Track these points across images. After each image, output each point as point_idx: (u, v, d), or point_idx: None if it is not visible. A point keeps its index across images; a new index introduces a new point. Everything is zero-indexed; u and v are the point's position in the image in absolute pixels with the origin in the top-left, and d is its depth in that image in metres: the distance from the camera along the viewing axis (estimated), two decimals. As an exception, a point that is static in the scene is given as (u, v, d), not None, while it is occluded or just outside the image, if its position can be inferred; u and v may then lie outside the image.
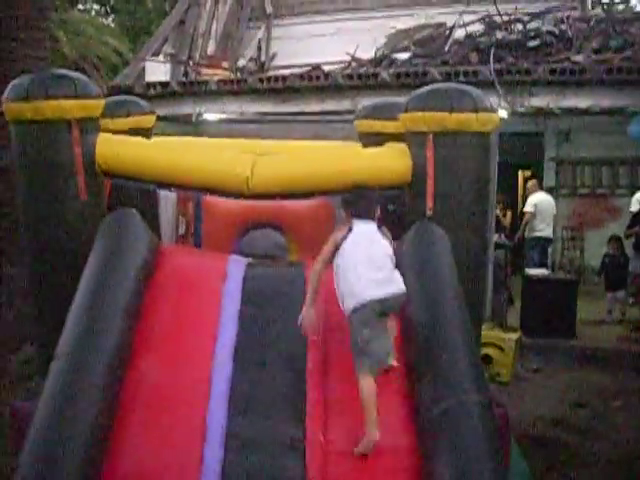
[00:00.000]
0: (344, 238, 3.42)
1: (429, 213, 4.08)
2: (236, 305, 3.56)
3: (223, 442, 2.95)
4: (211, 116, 11.80)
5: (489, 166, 4.27)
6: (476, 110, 4.02)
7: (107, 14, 26.10)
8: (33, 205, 4.12)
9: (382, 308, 3.23)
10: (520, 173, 14.83)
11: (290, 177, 4.14)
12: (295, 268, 4.00)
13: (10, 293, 7.10)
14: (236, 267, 3.89)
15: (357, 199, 3.60)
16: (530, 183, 12.06)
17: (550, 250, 12.00)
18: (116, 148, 4.19)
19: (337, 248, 3.42)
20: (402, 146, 4.30)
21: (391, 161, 4.28)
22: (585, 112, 10.44)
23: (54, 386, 2.91)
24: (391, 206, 4.51)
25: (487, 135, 4.16)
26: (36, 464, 2.64)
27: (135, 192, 4.66)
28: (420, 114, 4.08)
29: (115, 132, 4.46)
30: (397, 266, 3.43)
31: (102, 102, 4.25)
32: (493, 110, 4.19)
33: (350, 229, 3.46)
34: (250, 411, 3.09)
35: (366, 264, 3.30)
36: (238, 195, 4.22)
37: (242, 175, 4.07)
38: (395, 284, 3.29)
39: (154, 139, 5.46)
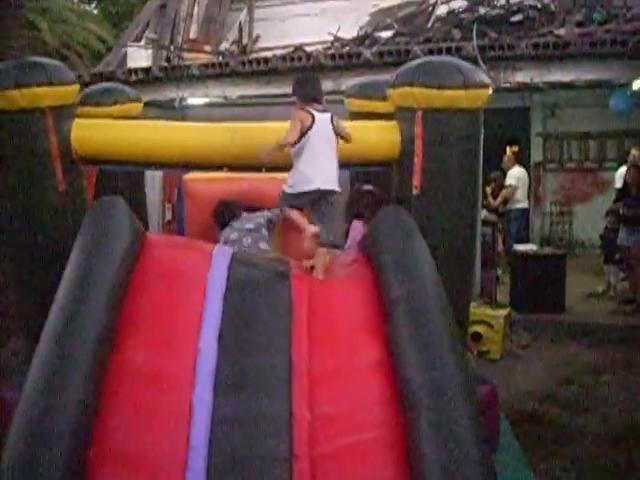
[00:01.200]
0: (309, 128, 3.72)
1: (415, 191, 4.03)
2: (221, 292, 3.54)
3: (209, 424, 2.94)
4: (194, 100, 11.71)
5: (479, 143, 4.22)
6: (466, 86, 3.95)
7: (89, 1, 25.88)
8: (11, 196, 4.07)
9: (318, 196, 3.71)
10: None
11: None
12: (280, 258, 3.98)
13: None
14: (221, 256, 3.86)
15: (306, 82, 3.93)
16: (507, 157, 12.17)
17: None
18: (90, 132, 4.13)
19: (302, 135, 3.72)
20: (391, 122, 4.24)
21: (378, 136, 4.22)
22: (570, 86, 10.41)
23: (38, 372, 2.88)
24: (367, 186, 4.47)
25: (477, 111, 4.10)
26: (21, 450, 2.62)
27: (122, 180, 4.62)
28: (408, 89, 4.02)
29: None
30: (369, 249, 3.49)
31: (76, 88, 4.18)
32: (483, 85, 4.10)
33: (313, 118, 3.73)
34: (235, 392, 3.08)
35: (320, 157, 3.71)
36: (220, 166, 4.28)
37: (225, 144, 4.06)
38: (332, 182, 3.74)
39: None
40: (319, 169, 3.76)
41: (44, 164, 3.97)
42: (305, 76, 4.11)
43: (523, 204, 12.04)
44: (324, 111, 3.87)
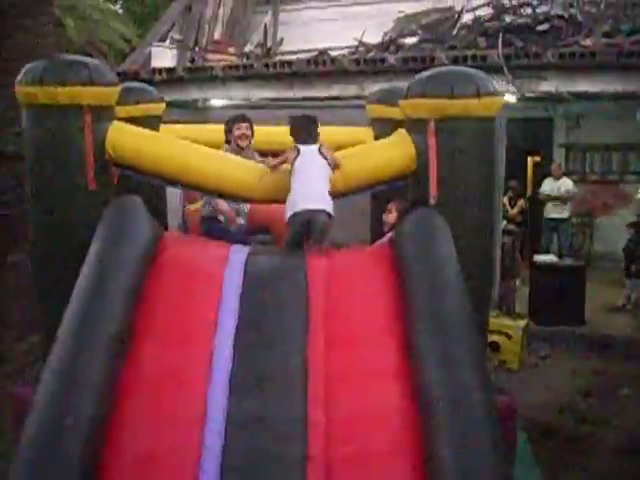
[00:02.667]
0: (294, 159, 4.06)
1: (432, 201, 4.01)
2: (237, 290, 3.54)
3: (224, 424, 2.94)
4: (217, 102, 11.72)
5: (493, 151, 4.19)
6: (478, 95, 3.92)
7: (115, 0, 26.03)
8: (41, 191, 4.08)
9: (308, 217, 3.91)
10: (529, 159, 14.71)
11: None
12: (296, 254, 3.96)
13: (15, 281, 7.08)
14: (237, 254, 3.86)
15: (299, 129, 4.18)
16: (555, 166, 12.03)
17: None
18: (127, 139, 4.14)
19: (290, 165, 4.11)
20: (405, 134, 4.23)
21: (394, 152, 4.21)
22: (595, 97, 10.31)
23: (54, 368, 2.89)
24: (406, 203, 4.45)
25: (491, 119, 4.07)
26: (35, 447, 2.63)
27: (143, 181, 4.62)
28: (420, 100, 4.01)
29: (124, 120, 4.41)
30: (397, 251, 3.47)
31: (117, 90, 4.20)
32: (496, 93, 4.07)
33: (298, 152, 4.08)
34: (251, 393, 3.07)
35: (305, 182, 3.99)
36: (245, 200, 4.49)
37: (250, 184, 4.14)
38: (323, 202, 3.97)
39: (164, 127, 5.43)
40: (305, 193, 4.00)
41: (77, 162, 3.98)
42: (299, 120, 4.26)
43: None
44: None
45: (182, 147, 4.37)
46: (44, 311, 4.19)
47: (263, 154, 5.47)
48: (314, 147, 4.12)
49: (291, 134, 4.23)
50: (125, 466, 2.79)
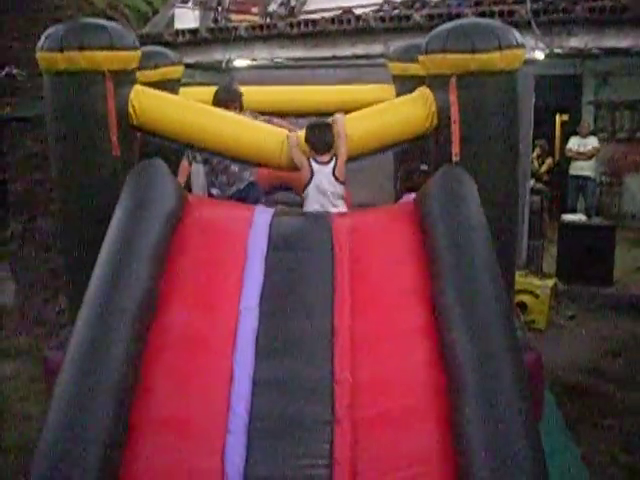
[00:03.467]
0: (307, 184, 4.11)
1: (456, 158, 3.95)
2: (262, 251, 3.52)
3: (250, 386, 2.94)
4: (241, 62, 11.65)
5: (516, 106, 4.10)
6: (500, 48, 3.82)
7: (136, -39, 25.83)
8: (65, 157, 4.08)
9: None
10: (557, 117, 14.50)
11: None
12: (322, 216, 3.94)
13: (42, 245, 7.15)
14: (262, 215, 3.84)
15: (314, 140, 4.10)
16: (583, 124, 11.86)
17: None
18: (150, 102, 4.12)
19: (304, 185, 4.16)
20: (426, 91, 4.17)
21: (415, 110, 4.14)
22: (625, 53, 10.10)
23: (82, 331, 2.89)
24: (424, 166, 4.41)
25: (513, 73, 3.98)
26: (65, 412, 2.63)
27: (165, 148, 4.62)
28: (440, 56, 3.92)
29: (143, 84, 4.39)
30: (422, 209, 3.53)
31: (138, 53, 4.16)
32: (519, 46, 3.96)
33: (312, 174, 4.09)
34: (277, 355, 3.07)
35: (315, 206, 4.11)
36: (268, 167, 4.43)
37: (274, 150, 4.14)
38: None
39: (183, 90, 5.40)
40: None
41: (100, 127, 3.96)
42: (314, 126, 4.19)
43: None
44: (328, 161, 4.13)
45: (205, 112, 4.35)
46: (71, 275, 4.22)
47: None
48: (329, 169, 4.10)
49: (306, 141, 4.15)
50: (153, 430, 2.80)
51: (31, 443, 2.92)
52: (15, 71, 7.14)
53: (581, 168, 11.56)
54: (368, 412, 2.87)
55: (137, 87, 4.15)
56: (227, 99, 5.01)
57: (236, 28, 11.39)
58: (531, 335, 7.08)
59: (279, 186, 5.93)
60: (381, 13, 11.01)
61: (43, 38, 3.95)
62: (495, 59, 3.83)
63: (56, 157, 4.13)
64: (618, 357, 6.77)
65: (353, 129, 4.15)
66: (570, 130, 12.59)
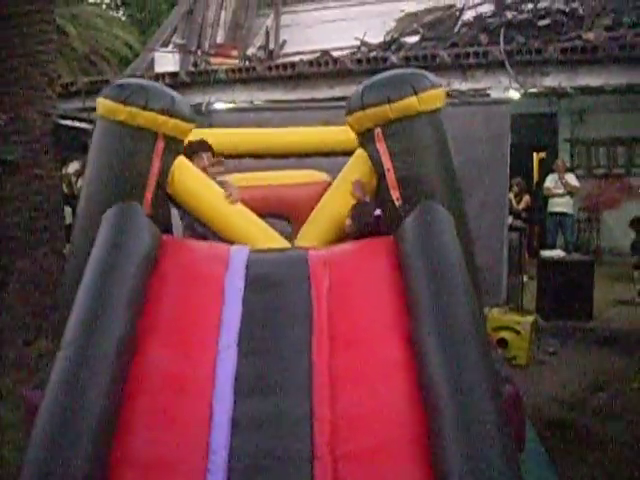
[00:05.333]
0: None
1: (397, 202, 4.07)
2: (239, 291, 3.54)
3: (229, 425, 2.93)
4: (221, 105, 11.75)
5: (445, 141, 4.22)
6: (415, 92, 3.96)
7: (117, 7, 26.12)
8: (95, 198, 4.12)
9: None
10: (535, 155, 14.69)
11: None
12: (298, 253, 3.97)
13: (22, 286, 7.13)
14: (239, 253, 3.86)
15: (358, 222, 4.25)
16: (559, 163, 11.99)
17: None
18: (188, 179, 4.34)
19: None
20: (360, 151, 4.35)
21: (361, 172, 4.36)
22: (599, 91, 10.31)
23: (60, 374, 2.87)
24: (378, 211, 4.49)
25: (435, 112, 4.10)
26: (42, 453, 2.61)
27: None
28: (361, 113, 4.06)
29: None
30: (401, 244, 3.63)
31: (192, 126, 4.30)
32: (434, 86, 4.09)
33: None
34: (256, 393, 3.06)
35: None
36: None
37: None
38: None
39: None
40: None
41: (139, 183, 4.05)
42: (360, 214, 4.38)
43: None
44: None
45: (234, 209, 4.51)
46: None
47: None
48: None
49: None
50: (132, 473, 2.77)
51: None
52: (-4, 115, 7.20)
53: (559, 204, 11.69)
54: (348, 448, 2.87)
55: (181, 159, 4.29)
56: (197, 149, 5.09)
57: (216, 71, 11.51)
58: (512, 371, 7.10)
59: (270, 214, 5.88)
60: (358, 55, 11.19)
61: (110, 87, 4.09)
62: (412, 104, 3.96)
63: (86, 195, 4.19)
64: (600, 391, 6.79)
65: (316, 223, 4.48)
66: (548, 168, 12.76)
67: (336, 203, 4.47)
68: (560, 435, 5.67)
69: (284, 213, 5.50)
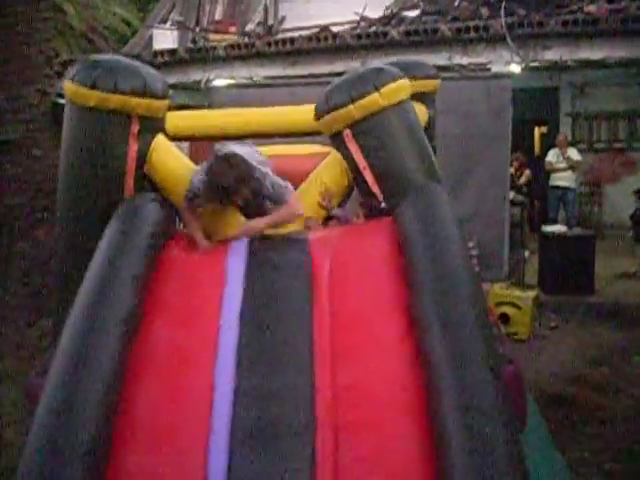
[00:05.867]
0: None
1: (380, 197, 4.07)
2: (241, 272, 3.55)
3: (231, 395, 2.97)
4: (220, 82, 11.69)
5: (419, 129, 4.24)
6: (376, 88, 3.96)
7: (115, -16, 25.88)
8: (73, 189, 4.08)
9: None
10: (536, 129, 14.63)
11: None
12: (299, 235, 3.97)
13: (24, 268, 7.14)
14: (239, 242, 3.87)
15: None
16: (562, 137, 11.92)
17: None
18: (164, 159, 4.17)
19: None
20: (334, 154, 4.38)
21: (334, 171, 4.37)
22: (600, 64, 10.23)
23: (64, 356, 2.90)
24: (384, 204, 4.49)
25: (403, 103, 4.10)
26: (45, 432, 2.64)
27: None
28: (329, 117, 4.06)
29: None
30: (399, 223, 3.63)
31: (167, 103, 4.18)
32: (395, 79, 4.08)
33: None
34: (258, 365, 3.09)
35: None
36: None
37: None
38: None
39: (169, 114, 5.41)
40: None
41: (117, 168, 3.97)
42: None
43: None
44: None
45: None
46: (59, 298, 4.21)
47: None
48: None
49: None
50: (136, 444, 2.82)
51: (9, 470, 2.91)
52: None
53: (561, 179, 11.65)
54: (349, 418, 2.90)
55: (159, 138, 4.17)
56: None
57: (214, 48, 11.44)
58: (514, 346, 7.15)
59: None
60: (358, 30, 11.10)
61: (75, 69, 3.90)
62: (375, 100, 3.96)
63: (64, 186, 4.13)
64: (601, 365, 6.81)
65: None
66: (549, 142, 12.71)
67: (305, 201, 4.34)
68: (561, 409, 5.70)
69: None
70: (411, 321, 3.21)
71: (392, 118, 4.06)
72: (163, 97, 4.09)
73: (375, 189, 4.08)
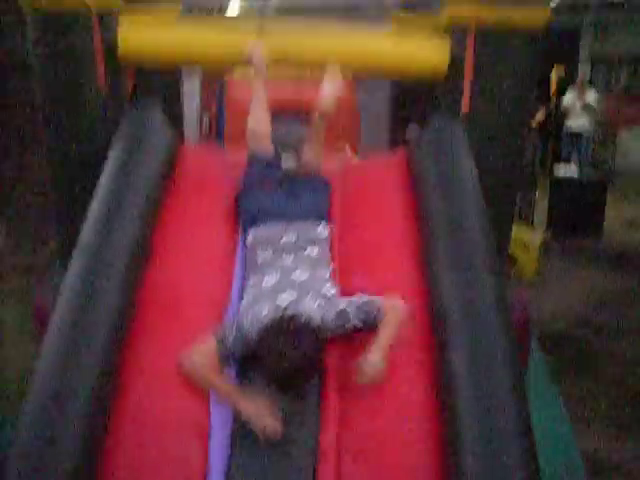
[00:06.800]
0: None
1: (464, 112, 3.88)
2: None
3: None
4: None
5: (534, 65, 4.03)
6: (523, 2, 3.72)
7: None
8: (52, 97, 4.01)
9: None
10: (554, 70, 14.37)
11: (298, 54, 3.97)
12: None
13: (31, 189, 7.12)
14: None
15: None
16: (581, 79, 11.70)
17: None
18: (139, 31, 3.97)
19: None
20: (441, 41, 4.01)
21: (427, 52, 3.99)
22: (622, 5, 10.00)
23: (73, 283, 2.83)
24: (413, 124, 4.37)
25: (535, 32, 3.87)
26: (51, 366, 2.58)
27: (159, 87, 4.52)
28: (462, 7, 3.80)
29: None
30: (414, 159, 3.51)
31: None
32: (542, 3, 3.85)
33: None
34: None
35: None
36: None
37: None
38: None
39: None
40: None
41: (88, 65, 3.85)
42: None
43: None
44: None
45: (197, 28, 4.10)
46: (62, 221, 4.18)
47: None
48: None
49: None
50: (141, 379, 2.75)
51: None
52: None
53: (576, 122, 11.50)
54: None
55: (123, 17, 3.97)
56: None
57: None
58: (520, 286, 7.14)
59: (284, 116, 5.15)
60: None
61: None
62: (516, 15, 3.72)
63: (43, 100, 4.06)
64: (605, 308, 6.83)
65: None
66: (567, 83, 12.50)
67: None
68: (563, 350, 5.74)
69: (299, 115, 5.30)
70: (420, 263, 3.20)
71: (521, 42, 3.85)
72: None
73: (465, 100, 3.87)
